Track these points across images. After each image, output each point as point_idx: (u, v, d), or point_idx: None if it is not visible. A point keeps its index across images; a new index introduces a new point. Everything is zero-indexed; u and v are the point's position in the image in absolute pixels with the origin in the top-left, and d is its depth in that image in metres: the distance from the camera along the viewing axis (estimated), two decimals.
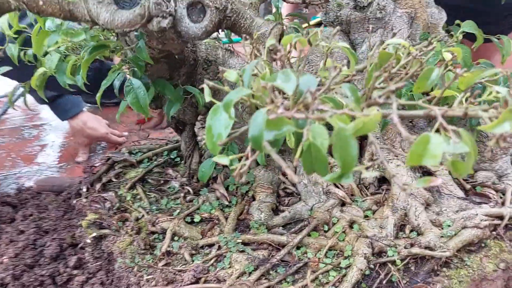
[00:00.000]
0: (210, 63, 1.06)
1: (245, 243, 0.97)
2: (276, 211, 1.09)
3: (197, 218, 1.06)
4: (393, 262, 0.91)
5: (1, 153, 1.89)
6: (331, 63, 0.70)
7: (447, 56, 0.98)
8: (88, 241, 1.05)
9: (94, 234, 1.05)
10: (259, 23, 0.83)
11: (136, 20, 0.68)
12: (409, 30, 1.11)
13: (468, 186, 1.12)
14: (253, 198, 1.10)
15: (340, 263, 0.91)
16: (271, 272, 0.90)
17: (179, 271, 0.87)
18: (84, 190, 1.20)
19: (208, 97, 0.59)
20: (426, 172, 1.12)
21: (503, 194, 1.09)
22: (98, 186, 1.20)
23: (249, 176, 1.13)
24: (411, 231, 0.99)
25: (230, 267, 0.89)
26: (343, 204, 1.05)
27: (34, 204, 1.46)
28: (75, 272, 1.11)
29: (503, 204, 1.06)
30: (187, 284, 0.85)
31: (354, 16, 1.07)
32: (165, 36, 0.77)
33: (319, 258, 0.92)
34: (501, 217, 1.01)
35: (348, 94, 0.55)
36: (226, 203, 1.11)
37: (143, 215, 1.08)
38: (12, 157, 1.86)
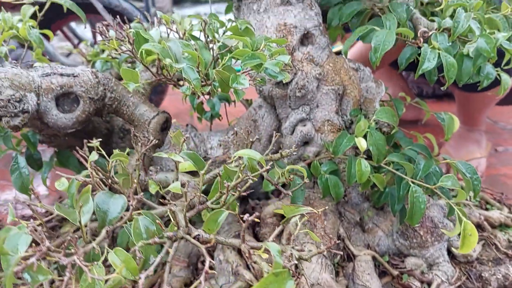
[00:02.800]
0: (127, 131, 1.06)
1: None
2: (190, 285, 1.06)
3: None
4: None
5: None
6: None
7: (360, 143, 0.94)
8: None
9: None
10: (142, 110, 0.82)
11: None
12: (337, 106, 1.07)
13: (395, 273, 1.06)
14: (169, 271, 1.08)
15: None
16: None
17: None
18: None
19: None
20: (348, 256, 1.07)
21: (429, 286, 1.02)
22: None
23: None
24: None
25: None
26: (250, 287, 1.01)
27: None
28: None
29: None
30: None
31: (275, 93, 1.04)
32: (37, 126, 0.77)
33: None
34: None
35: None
36: None
37: None
38: None
